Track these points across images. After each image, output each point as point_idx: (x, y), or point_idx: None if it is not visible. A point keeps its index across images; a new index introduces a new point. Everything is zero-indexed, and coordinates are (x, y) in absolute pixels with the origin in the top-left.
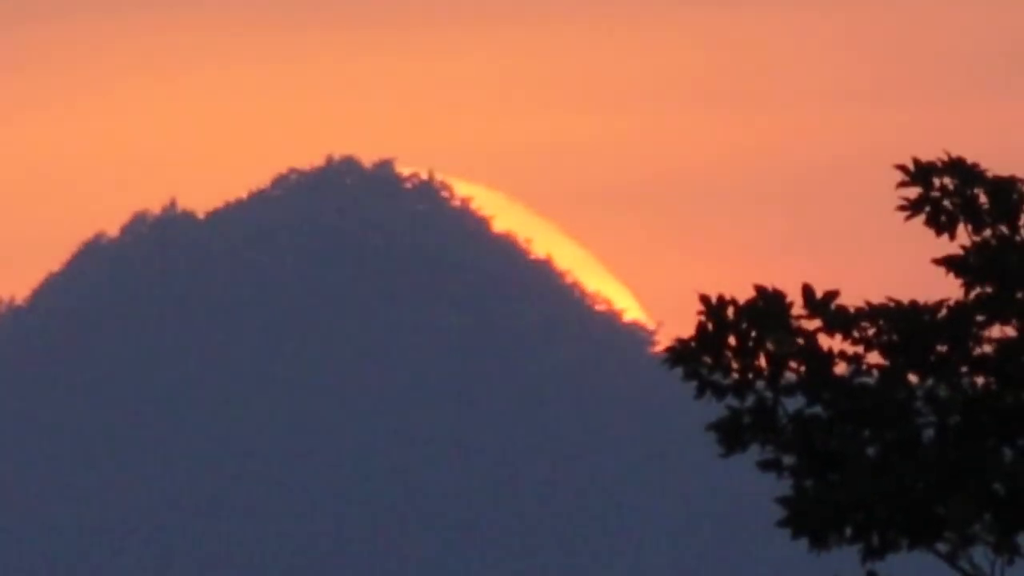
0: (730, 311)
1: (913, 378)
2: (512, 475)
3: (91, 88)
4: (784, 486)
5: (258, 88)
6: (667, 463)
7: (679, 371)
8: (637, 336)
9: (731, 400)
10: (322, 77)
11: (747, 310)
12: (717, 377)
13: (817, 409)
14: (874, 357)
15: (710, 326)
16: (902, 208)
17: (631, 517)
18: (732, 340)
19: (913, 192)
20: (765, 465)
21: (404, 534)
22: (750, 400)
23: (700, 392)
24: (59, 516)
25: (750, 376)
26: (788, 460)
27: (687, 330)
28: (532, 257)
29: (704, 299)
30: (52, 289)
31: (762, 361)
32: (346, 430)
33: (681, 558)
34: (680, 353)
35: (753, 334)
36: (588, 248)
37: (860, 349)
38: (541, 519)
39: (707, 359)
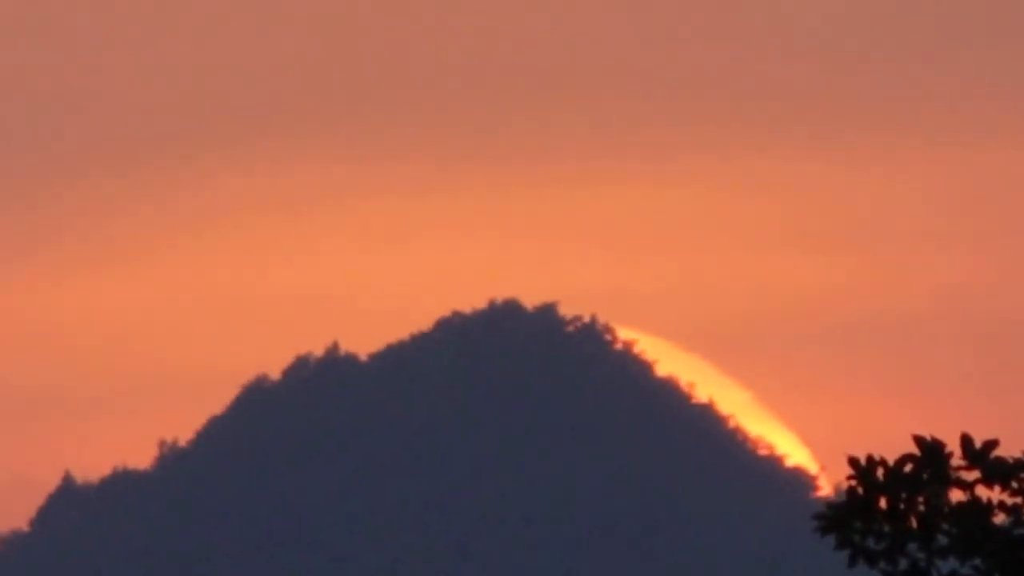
0: (880, 472)
1: None
2: None
3: (254, 230)
4: None
5: (421, 230)
6: None
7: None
8: (800, 481)
9: (884, 565)
10: (485, 219)
11: (896, 472)
12: (869, 542)
13: (969, 570)
14: None
15: (860, 490)
16: None
17: None
18: (883, 503)
19: None
20: None
21: None
22: (903, 564)
23: (852, 561)
24: None
25: (902, 539)
26: None
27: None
28: (695, 401)
29: (853, 462)
30: (215, 431)
31: (913, 523)
32: (511, 573)
33: None
34: (832, 520)
35: (903, 495)
36: (752, 391)
37: (1019, 500)
38: None
39: (859, 524)
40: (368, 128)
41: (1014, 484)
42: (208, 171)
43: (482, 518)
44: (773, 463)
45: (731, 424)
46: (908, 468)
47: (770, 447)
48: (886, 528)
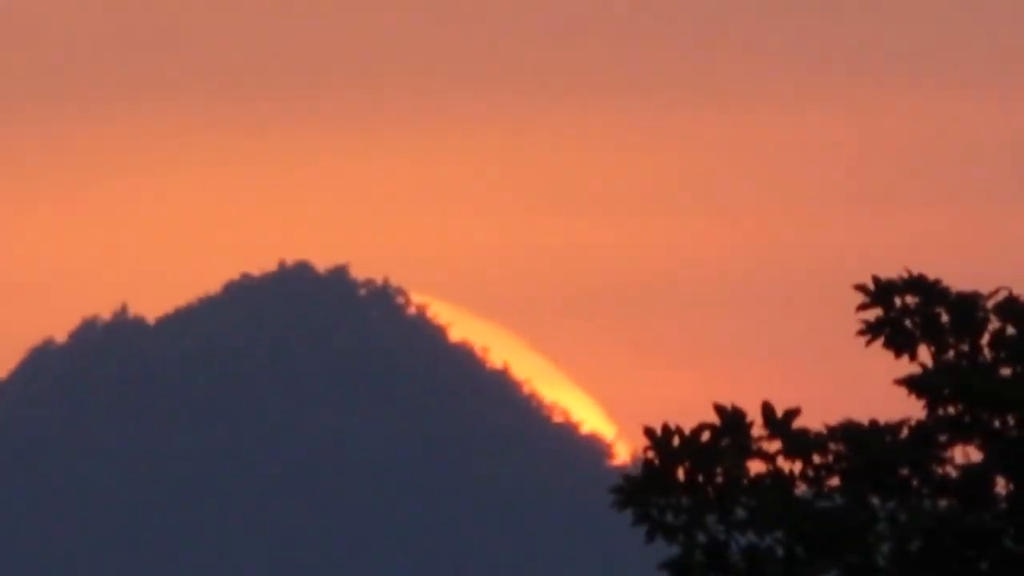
0: (676, 440)
1: (875, 500)
2: None
3: (38, 192)
4: None
5: (210, 192)
6: None
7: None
8: (595, 448)
9: (683, 539)
10: (275, 181)
11: (693, 441)
12: (668, 516)
13: (769, 542)
14: (835, 479)
15: (656, 462)
16: (862, 332)
17: None
18: (680, 474)
19: (873, 314)
20: None
21: None
22: (701, 538)
23: (651, 537)
24: None
25: (701, 512)
26: None
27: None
28: (489, 366)
29: (648, 432)
30: None
31: (712, 495)
32: (298, 535)
33: None
34: (629, 494)
35: (701, 466)
36: (547, 357)
37: (821, 471)
38: None
39: (656, 498)
40: (154, 89)
41: (816, 458)
42: None
43: (273, 481)
44: (568, 429)
45: (526, 390)
46: (706, 437)
47: (565, 413)
48: (684, 501)
